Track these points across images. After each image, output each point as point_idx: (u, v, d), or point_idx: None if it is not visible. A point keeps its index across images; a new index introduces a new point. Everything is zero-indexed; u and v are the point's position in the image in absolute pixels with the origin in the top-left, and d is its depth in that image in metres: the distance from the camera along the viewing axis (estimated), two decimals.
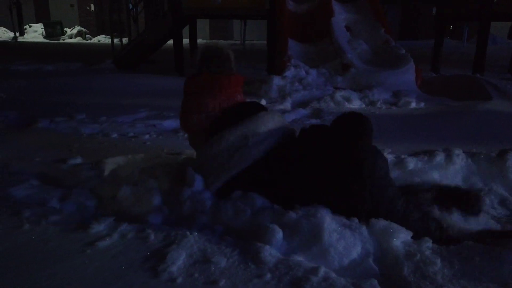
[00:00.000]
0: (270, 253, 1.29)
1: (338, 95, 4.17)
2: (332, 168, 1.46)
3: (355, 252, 1.28)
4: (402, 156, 2.13)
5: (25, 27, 20.22)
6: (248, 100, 1.82)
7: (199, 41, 8.72)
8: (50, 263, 1.24)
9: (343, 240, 1.29)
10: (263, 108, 1.74)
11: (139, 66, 6.94)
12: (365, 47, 5.58)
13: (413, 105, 4.09)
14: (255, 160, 1.54)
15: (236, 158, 1.54)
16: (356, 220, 1.37)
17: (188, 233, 1.39)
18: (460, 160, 2.08)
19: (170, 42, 6.89)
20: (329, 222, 1.30)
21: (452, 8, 6.79)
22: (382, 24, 6.05)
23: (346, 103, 4.06)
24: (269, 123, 1.63)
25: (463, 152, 2.11)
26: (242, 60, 10.04)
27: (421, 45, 11.75)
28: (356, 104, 4.09)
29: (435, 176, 2.02)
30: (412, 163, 2.05)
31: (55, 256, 1.28)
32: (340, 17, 6.13)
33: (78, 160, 2.18)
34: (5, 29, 19.52)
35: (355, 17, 6.27)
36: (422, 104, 4.13)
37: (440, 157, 2.09)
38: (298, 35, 6.02)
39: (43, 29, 19.58)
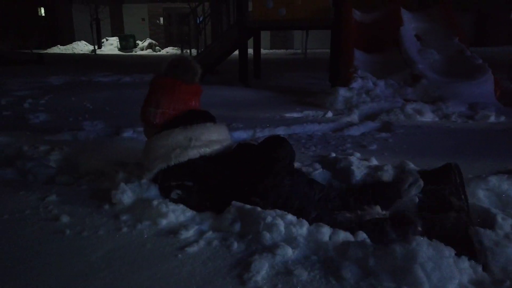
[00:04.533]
0: (351, 269, 1.31)
1: (409, 107, 4.03)
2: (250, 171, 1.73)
3: (451, 285, 1.21)
4: (483, 175, 2.02)
5: (102, 40, 22.12)
6: (202, 109, 2.07)
7: (262, 51, 8.91)
8: (148, 264, 1.37)
9: (439, 271, 1.23)
10: (212, 119, 2.00)
11: (205, 76, 7.28)
12: (438, 57, 5.34)
13: (492, 119, 3.83)
14: (190, 159, 1.80)
15: (176, 153, 1.80)
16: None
17: (268, 244, 1.46)
18: None
19: (233, 53, 7.16)
20: (425, 250, 1.26)
21: None
22: (456, 32, 5.76)
23: (417, 116, 3.90)
24: (213, 134, 1.89)
25: None
26: (303, 69, 10.09)
27: (492, 52, 10.86)
28: (428, 117, 3.91)
29: None
30: (494, 183, 1.93)
31: (152, 258, 1.41)
32: (410, 26, 5.94)
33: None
34: (85, 42, 21.53)
35: (425, 26, 6.04)
36: (502, 118, 3.86)
37: None
38: (364, 45, 5.93)
39: (118, 42, 21.26)
